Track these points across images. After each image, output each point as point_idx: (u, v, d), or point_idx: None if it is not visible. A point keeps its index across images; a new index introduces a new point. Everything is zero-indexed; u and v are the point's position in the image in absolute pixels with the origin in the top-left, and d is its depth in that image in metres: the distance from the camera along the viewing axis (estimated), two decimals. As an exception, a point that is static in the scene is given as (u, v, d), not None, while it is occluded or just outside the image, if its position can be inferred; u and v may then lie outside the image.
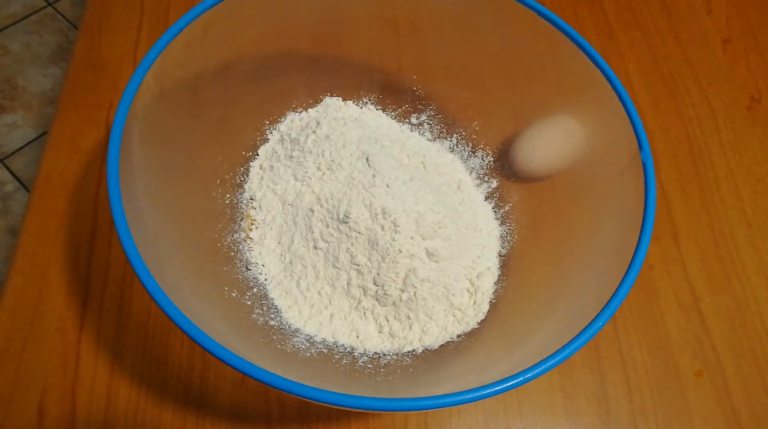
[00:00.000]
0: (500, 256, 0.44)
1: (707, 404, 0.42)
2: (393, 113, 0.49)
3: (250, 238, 0.43)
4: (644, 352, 0.44)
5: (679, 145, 0.53)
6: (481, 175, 0.47)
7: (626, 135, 0.35)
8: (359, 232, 0.38)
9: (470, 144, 0.48)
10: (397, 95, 0.49)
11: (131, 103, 0.31)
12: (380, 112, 0.49)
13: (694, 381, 0.43)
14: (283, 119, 0.48)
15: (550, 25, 0.38)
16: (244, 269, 0.41)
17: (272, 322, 0.39)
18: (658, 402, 0.42)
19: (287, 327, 0.39)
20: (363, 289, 0.39)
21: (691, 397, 0.42)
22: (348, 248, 0.39)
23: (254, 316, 0.38)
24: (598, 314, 0.29)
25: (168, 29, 0.34)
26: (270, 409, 0.40)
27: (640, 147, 0.34)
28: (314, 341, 0.39)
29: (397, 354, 0.39)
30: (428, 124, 0.49)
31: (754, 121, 0.55)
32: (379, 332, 0.39)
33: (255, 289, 0.40)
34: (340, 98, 0.48)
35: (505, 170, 0.46)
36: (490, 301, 0.41)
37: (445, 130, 0.49)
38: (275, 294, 0.40)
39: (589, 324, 0.28)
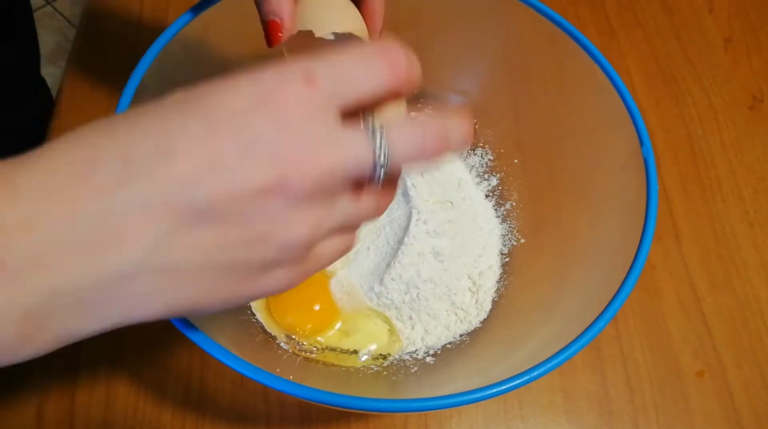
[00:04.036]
0: (501, 254, 0.44)
1: (709, 404, 0.42)
2: (392, 112, 0.49)
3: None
4: (646, 352, 0.44)
5: (681, 144, 0.53)
6: (481, 173, 0.47)
7: (627, 132, 0.34)
8: (360, 232, 0.38)
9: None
10: (395, 94, 0.49)
11: (130, 103, 0.31)
12: (378, 111, 0.49)
13: (696, 381, 0.43)
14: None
15: (551, 23, 0.38)
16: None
17: (273, 323, 0.39)
18: (660, 402, 0.42)
19: (288, 328, 0.39)
20: (364, 289, 0.39)
21: (693, 398, 0.42)
22: (348, 248, 0.39)
23: (256, 318, 0.38)
24: (600, 314, 0.29)
25: (167, 29, 0.34)
26: (270, 410, 0.40)
27: (641, 143, 0.33)
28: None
29: (400, 354, 0.39)
30: (427, 122, 0.49)
31: (756, 120, 0.55)
32: (381, 333, 0.39)
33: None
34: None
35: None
36: (492, 300, 0.41)
37: (444, 129, 0.49)
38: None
39: (591, 324, 0.28)
